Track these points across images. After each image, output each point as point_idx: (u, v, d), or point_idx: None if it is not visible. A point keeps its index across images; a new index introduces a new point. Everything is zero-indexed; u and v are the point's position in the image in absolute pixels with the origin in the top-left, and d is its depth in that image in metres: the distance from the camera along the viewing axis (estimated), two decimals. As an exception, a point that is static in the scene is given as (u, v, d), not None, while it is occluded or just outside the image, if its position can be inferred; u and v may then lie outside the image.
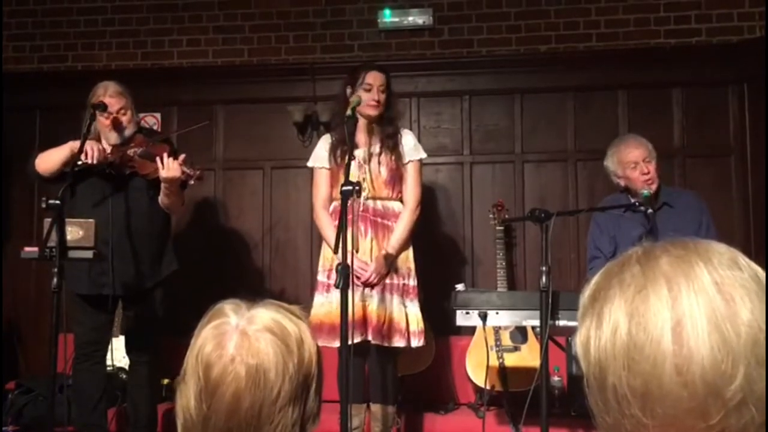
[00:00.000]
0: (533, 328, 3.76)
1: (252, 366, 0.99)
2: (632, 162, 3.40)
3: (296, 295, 4.41)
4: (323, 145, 3.44)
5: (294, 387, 1.00)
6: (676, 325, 0.67)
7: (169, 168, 3.21)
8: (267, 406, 0.98)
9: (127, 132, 3.44)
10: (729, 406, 0.65)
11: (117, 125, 3.41)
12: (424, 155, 3.45)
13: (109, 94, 3.38)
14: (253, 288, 4.52)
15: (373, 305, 3.20)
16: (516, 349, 3.91)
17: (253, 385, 0.98)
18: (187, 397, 1.02)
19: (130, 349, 3.61)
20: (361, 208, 3.21)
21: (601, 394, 0.71)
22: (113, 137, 3.44)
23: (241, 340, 1.01)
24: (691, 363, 0.66)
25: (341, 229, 2.64)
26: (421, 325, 3.30)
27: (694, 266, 0.70)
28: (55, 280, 2.82)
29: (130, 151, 3.35)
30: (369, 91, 3.30)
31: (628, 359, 0.68)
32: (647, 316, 0.69)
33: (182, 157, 3.27)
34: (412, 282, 3.33)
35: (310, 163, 3.47)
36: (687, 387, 0.66)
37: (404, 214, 3.32)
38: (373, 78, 3.32)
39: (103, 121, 3.41)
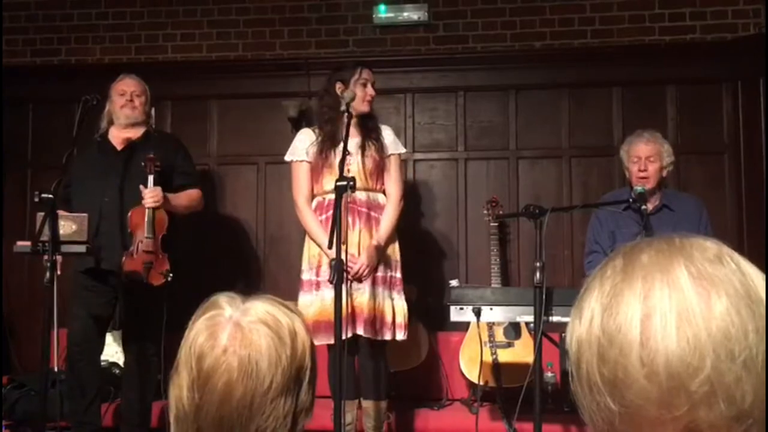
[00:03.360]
0: (527, 324, 3.77)
1: (244, 357, 0.99)
2: (636, 156, 3.43)
3: (290, 290, 4.37)
4: (303, 138, 3.44)
5: (286, 379, 1.00)
6: (645, 318, 0.69)
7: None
8: (259, 397, 0.98)
9: (138, 118, 3.63)
10: (695, 398, 0.66)
11: (129, 104, 3.62)
12: (404, 150, 3.56)
13: (126, 80, 3.66)
14: (247, 283, 4.52)
15: (362, 298, 3.21)
16: (509, 345, 3.92)
17: (245, 375, 0.98)
18: (179, 388, 1.02)
19: (124, 344, 3.61)
20: (349, 200, 3.21)
21: (578, 381, 0.74)
22: (123, 117, 3.60)
23: (234, 331, 1.01)
24: (656, 355, 0.67)
25: (336, 224, 2.64)
26: (407, 318, 3.32)
27: (672, 261, 0.71)
28: (47, 274, 2.81)
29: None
30: (365, 86, 3.34)
31: (599, 347, 0.71)
32: (619, 307, 0.71)
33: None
34: (398, 274, 3.36)
35: (288, 157, 3.46)
36: (650, 378, 0.67)
37: (389, 207, 3.35)
38: (368, 74, 3.38)
39: (116, 101, 3.60)
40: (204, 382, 1.00)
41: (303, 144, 3.40)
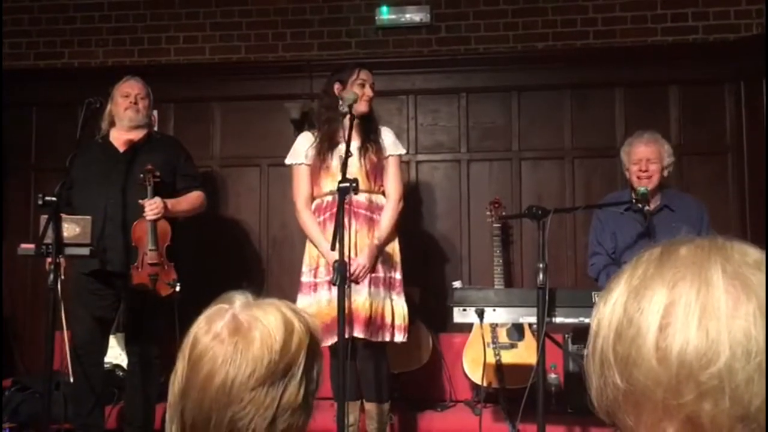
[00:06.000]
0: (530, 325, 3.77)
1: (231, 346, 1.01)
2: (637, 157, 3.43)
3: (293, 291, 4.37)
4: (302, 142, 3.45)
5: (271, 372, 1.01)
6: (669, 305, 0.69)
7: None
8: (237, 385, 0.99)
9: (141, 120, 3.63)
10: (702, 389, 0.66)
11: (133, 107, 3.62)
12: (403, 151, 3.55)
13: (130, 81, 3.65)
14: (249, 284, 4.51)
15: (359, 300, 3.20)
16: (513, 346, 3.92)
17: (229, 362, 1.00)
18: (175, 373, 1.06)
19: (128, 347, 3.61)
20: (347, 202, 3.21)
21: (592, 356, 0.75)
22: (127, 120, 3.59)
23: (229, 321, 1.04)
24: (673, 341, 0.68)
25: (338, 226, 2.65)
26: (407, 320, 3.31)
27: (710, 257, 0.71)
28: (51, 276, 2.81)
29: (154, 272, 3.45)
30: (363, 86, 3.34)
31: (618, 326, 0.72)
32: (645, 292, 0.72)
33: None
34: (398, 275, 3.34)
35: (288, 161, 3.47)
36: (662, 362, 0.68)
37: (388, 207, 3.35)
38: (366, 75, 3.38)
39: (120, 103, 3.59)
40: (192, 366, 1.03)
41: (302, 147, 3.41)
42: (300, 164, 3.40)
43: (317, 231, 3.26)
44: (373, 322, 3.21)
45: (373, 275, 3.26)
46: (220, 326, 1.03)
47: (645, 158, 3.41)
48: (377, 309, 3.24)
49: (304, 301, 3.27)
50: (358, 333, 3.18)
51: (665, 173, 3.48)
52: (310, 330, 1.08)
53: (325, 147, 3.31)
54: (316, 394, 1.08)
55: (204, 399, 1.00)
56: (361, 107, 3.33)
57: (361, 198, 3.29)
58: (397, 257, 3.36)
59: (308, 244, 3.38)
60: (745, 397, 0.65)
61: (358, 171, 3.28)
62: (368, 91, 3.35)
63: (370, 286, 3.23)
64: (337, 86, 3.35)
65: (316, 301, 3.21)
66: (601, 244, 3.52)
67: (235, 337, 1.02)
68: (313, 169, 3.36)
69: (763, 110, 4.23)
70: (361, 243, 3.25)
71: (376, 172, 3.36)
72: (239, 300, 1.08)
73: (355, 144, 3.31)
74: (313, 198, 3.40)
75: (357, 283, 3.20)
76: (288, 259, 4.63)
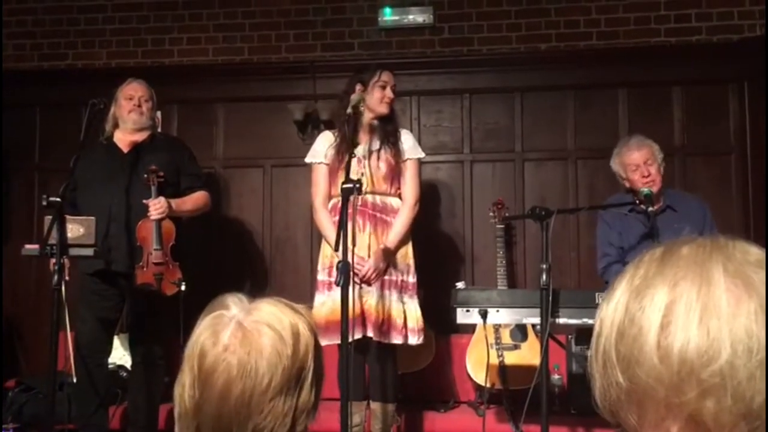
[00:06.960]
0: (533, 326, 3.77)
1: (244, 356, 1.00)
2: (633, 165, 3.40)
3: (296, 292, 4.40)
4: (322, 141, 3.45)
5: (286, 379, 1.01)
6: (670, 303, 0.70)
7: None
8: (257, 396, 0.99)
9: (145, 123, 3.63)
10: (704, 387, 0.66)
11: (137, 109, 3.61)
12: (422, 155, 3.52)
13: (133, 84, 3.65)
14: (253, 284, 4.53)
15: (371, 301, 3.21)
16: (516, 347, 3.92)
17: (244, 374, 0.99)
18: (182, 386, 1.04)
19: (132, 347, 3.62)
20: (359, 203, 3.21)
21: (595, 356, 0.75)
22: (131, 122, 3.60)
23: (236, 330, 1.03)
24: (674, 339, 0.68)
25: (342, 227, 2.65)
26: (420, 322, 3.31)
27: (712, 256, 0.71)
28: (55, 277, 2.82)
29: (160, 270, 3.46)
30: (384, 88, 3.35)
31: (620, 325, 0.72)
32: (647, 291, 0.72)
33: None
34: (412, 279, 3.34)
35: (308, 159, 3.48)
36: (663, 360, 0.68)
37: (403, 210, 3.34)
38: (388, 76, 3.39)
39: (124, 105, 3.59)
40: (204, 379, 1.01)
41: (322, 146, 3.42)
42: (319, 163, 3.41)
43: (332, 230, 3.26)
44: (383, 324, 3.22)
45: (385, 278, 3.26)
46: (227, 336, 1.02)
47: (642, 162, 3.39)
48: (388, 311, 3.24)
49: (319, 299, 3.30)
50: (371, 333, 3.18)
51: (661, 171, 3.47)
52: (312, 328, 1.09)
53: (344, 147, 3.31)
54: (321, 389, 1.08)
55: (222, 413, 1.00)
56: (382, 109, 3.35)
57: (376, 200, 3.29)
58: (410, 260, 3.36)
59: (323, 243, 3.39)
60: (747, 395, 0.65)
61: (370, 173, 3.29)
62: (389, 93, 3.36)
63: (381, 289, 3.24)
64: (358, 87, 3.35)
65: (331, 299, 3.22)
66: (611, 245, 3.50)
67: (246, 347, 1.01)
68: (331, 168, 3.37)
69: (766, 111, 4.22)
70: (374, 245, 3.26)
71: (393, 175, 3.35)
72: (235, 304, 1.06)
73: (367, 146, 3.32)
74: (331, 197, 3.40)
75: (369, 285, 3.21)
76: (291, 260, 4.64)
